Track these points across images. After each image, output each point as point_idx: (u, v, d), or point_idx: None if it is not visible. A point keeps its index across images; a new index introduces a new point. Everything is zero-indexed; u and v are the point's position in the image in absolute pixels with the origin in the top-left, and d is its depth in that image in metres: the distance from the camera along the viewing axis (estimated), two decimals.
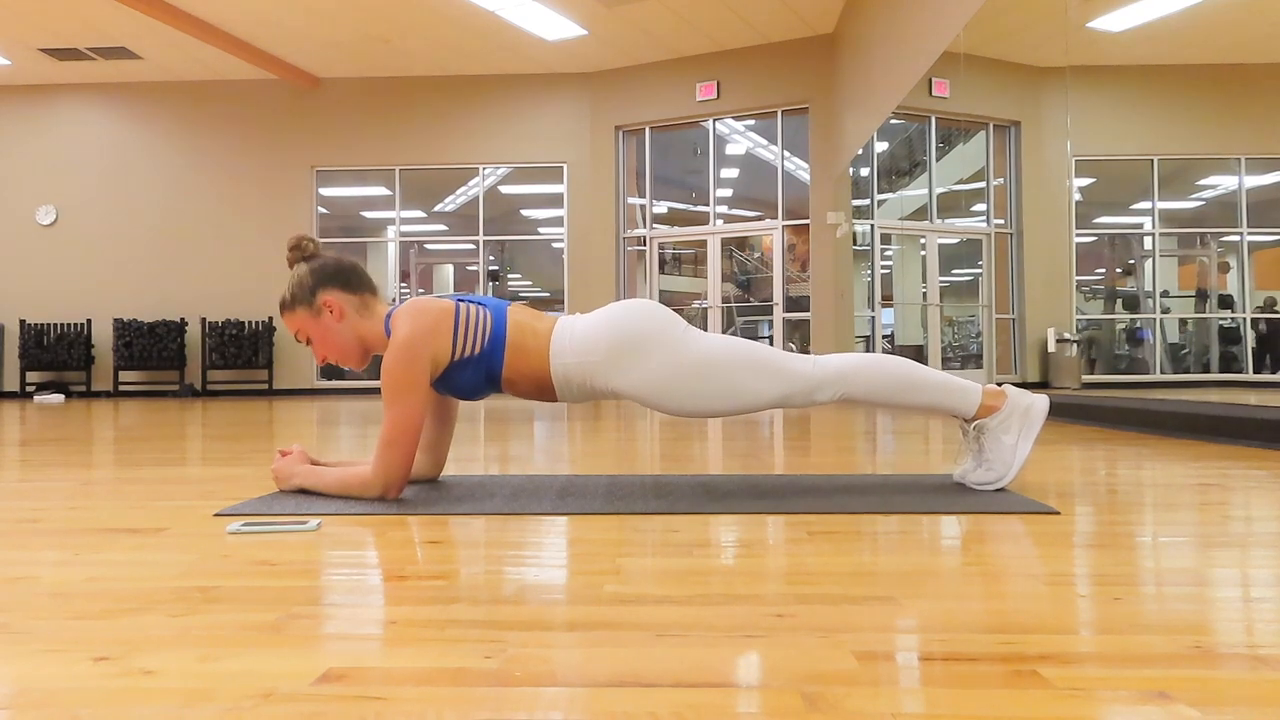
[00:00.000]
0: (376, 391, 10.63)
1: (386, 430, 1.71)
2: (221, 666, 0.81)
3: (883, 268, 9.19)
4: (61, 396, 10.02)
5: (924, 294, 9.08)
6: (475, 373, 1.80)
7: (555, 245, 11.15)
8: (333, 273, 1.83)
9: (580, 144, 10.73)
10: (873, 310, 9.06)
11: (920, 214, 9.20)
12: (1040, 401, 1.82)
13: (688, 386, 1.76)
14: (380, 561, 1.25)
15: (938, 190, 9.11)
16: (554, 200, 11.07)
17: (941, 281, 9.12)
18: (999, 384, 1.90)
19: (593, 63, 10.38)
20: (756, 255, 10.42)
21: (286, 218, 10.97)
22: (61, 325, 10.76)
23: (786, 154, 10.04)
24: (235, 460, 2.70)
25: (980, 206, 8.93)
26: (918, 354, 8.98)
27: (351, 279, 1.85)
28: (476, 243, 11.15)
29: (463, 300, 1.83)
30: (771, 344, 9.97)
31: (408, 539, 1.41)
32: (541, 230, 11.38)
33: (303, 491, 1.86)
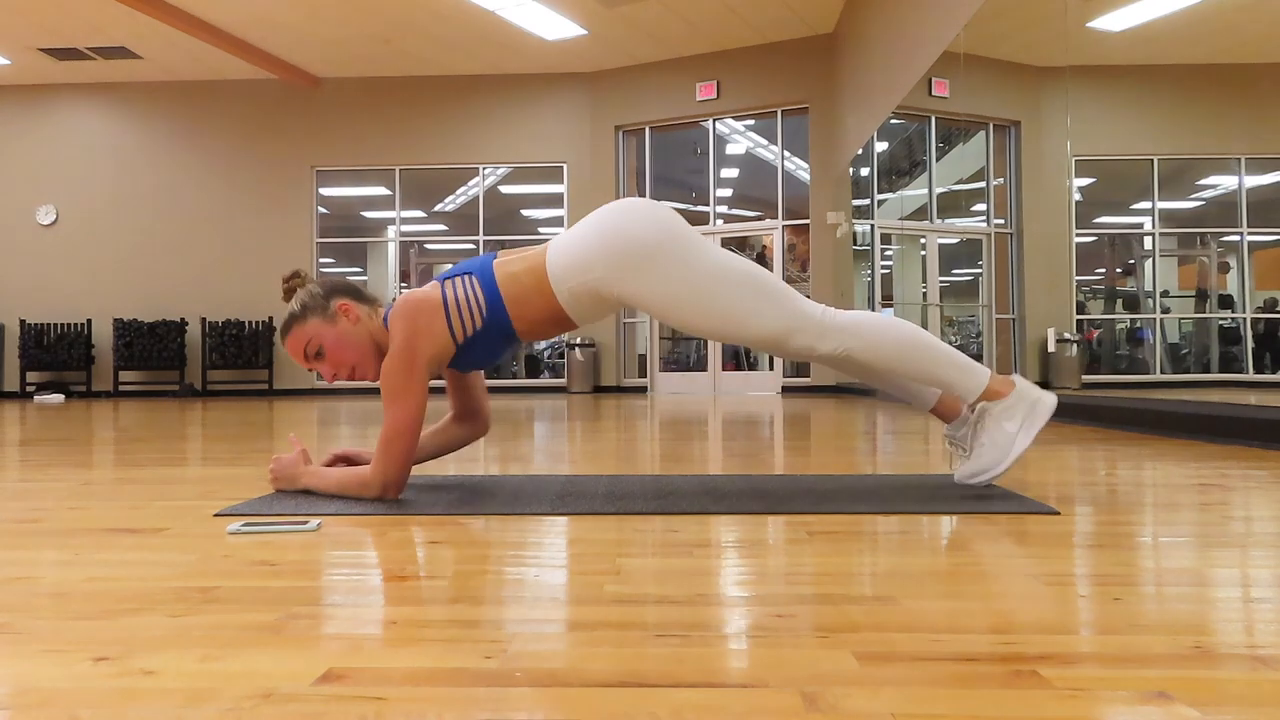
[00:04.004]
0: (375, 392, 10.63)
1: (386, 430, 1.72)
2: (221, 666, 0.81)
3: (883, 268, 9.19)
4: (61, 396, 10.02)
5: (924, 294, 9.08)
6: (488, 342, 1.80)
7: None
8: (342, 286, 1.87)
9: (580, 144, 10.73)
10: (873, 310, 9.06)
11: (920, 214, 9.19)
12: (1049, 397, 1.78)
13: (694, 302, 1.70)
14: (380, 562, 1.25)
15: (938, 190, 9.10)
16: (554, 200, 11.07)
17: (941, 281, 9.11)
18: None
19: (593, 63, 10.38)
20: (757, 255, 10.42)
21: (286, 218, 10.98)
22: (61, 325, 10.76)
23: (786, 154, 10.04)
24: (235, 460, 2.70)
25: (980, 206, 8.93)
26: None
27: (358, 292, 1.88)
28: (476, 243, 11.15)
29: (449, 278, 1.81)
30: None
31: (408, 539, 1.41)
32: (541, 230, 11.38)
33: (303, 491, 1.86)
